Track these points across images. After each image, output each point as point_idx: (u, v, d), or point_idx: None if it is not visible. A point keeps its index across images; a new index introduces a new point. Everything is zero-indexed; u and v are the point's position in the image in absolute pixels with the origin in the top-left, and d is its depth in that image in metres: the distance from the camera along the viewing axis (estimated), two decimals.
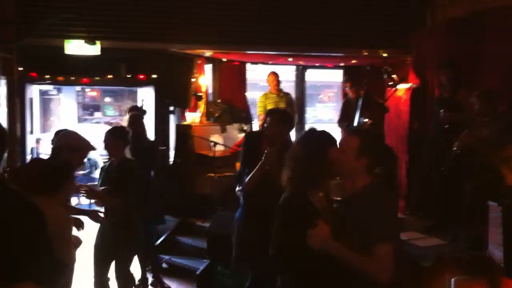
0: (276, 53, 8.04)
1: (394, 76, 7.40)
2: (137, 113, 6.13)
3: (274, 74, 8.47)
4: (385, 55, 7.58)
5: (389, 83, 7.48)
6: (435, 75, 6.75)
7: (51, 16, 6.43)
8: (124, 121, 5.99)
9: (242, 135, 8.26)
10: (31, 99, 7.85)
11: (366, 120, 7.13)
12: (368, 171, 2.82)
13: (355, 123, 7.46)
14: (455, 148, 5.35)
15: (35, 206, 2.16)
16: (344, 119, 7.97)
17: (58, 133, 4.38)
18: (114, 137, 4.73)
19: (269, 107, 8.36)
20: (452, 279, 4.30)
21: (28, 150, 7.67)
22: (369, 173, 2.82)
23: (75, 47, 6.79)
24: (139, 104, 7.18)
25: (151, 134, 7.45)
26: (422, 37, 7.18)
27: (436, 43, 6.85)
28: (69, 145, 3.94)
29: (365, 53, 7.72)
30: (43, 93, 12.92)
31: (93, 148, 4.27)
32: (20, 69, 7.04)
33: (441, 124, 6.02)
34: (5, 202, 2.08)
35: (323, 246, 2.62)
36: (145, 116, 6.39)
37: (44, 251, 2.15)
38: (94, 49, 6.77)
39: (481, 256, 4.49)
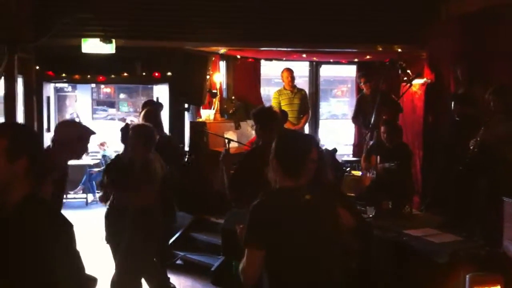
0: (290, 49, 8.05)
1: (408, 71, 7.39)
2: (151, 108, 6.12)
3: (289, 71, 8.48)
4: (399, 50, 7.55)
5: (404, 79, 7.46)
6: (450, 70, 6.72)
7: (68, 16, 6.50)
8: (140, 117, 5.99)
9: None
10: (48, 97, 7.94)
11: (383, 116, 7.13)
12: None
13: (373, 119, 7.46)
14: (472, 147, 5.34)
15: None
16: (359, 116, 7.97)
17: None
18: (141, 141, 4.74)
19: (283, 103, 8.40)
20: (467, 276, 4.28)
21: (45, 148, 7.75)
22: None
23: (91, 46, 6.87)
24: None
25: (166, 131, 7.52)
26: (437, 32, 7.15)
27: (450, 38, 6.81)
28: (70, 136, 3.83)
29: (380, 49, 7.69)
30: (58, 90, 13.05)
31: (93, 132, 4.19)
32: (37, 68, 7.13)
33: (452, 117, 6.02)
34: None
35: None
36: (162, 111, 6.36)
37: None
38: (110, 48, 6.84)
39: (496, 252, 4.49)
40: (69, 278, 2.16)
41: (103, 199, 5.10)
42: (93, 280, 3.71)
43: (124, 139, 5.05)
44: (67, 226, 2.24)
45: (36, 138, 2.36)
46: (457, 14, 6.89)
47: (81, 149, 3.88)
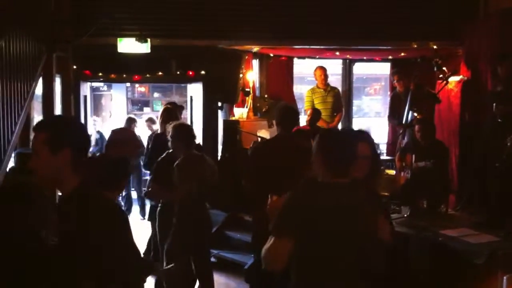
0: (323, 47, 8.02)
1: (444, 68, 7.27)
2: (169, 107, 6.21)
3: (322, 69, 8.45)
4: (435, 47, 7.45)
5: (440, 76, 7.35)
6: (489, 67, 6.59)
7: (105, 16, 6.62)
8: (159, 115, 6.17)
9: None
10: (85, 97, 8.10)
11: (416, 114, 7.05)
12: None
13: (405, 117, 7.38)
14: (508, 144, 5.24)
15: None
16: (394, 114, 7.89)
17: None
18: (178, 138, 4.87)
19: (317, 101, 8.37)
20: (505, 277, 4.22)
21: None
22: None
23: (127, 45, 6.98)
24: (188, 101, 7.31)
25: (199, 129, 7.60)
26: (475, 28, 7.02)
27: (489, 34, 6.68)
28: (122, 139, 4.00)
29: (415, 46, 7.60)
30: (94, 90, 13.25)
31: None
32: (74, 67, 7.27)
33: (494, 118, 5.90)
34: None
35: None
36: (182, 111, 6.47)
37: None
38: (145, 47, 6.94)
39: None
40: (126, 266, 2.22)
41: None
42: (150, 265, 3.84)
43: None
44: (120, 217, 2.29)
45: (80, 130, 2.36)
46: (497, 10, 6.75)
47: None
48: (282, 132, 4.84)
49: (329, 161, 2.67)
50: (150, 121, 9.54)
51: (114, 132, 8.57)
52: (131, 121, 9.32)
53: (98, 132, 10.35)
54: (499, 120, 5.88)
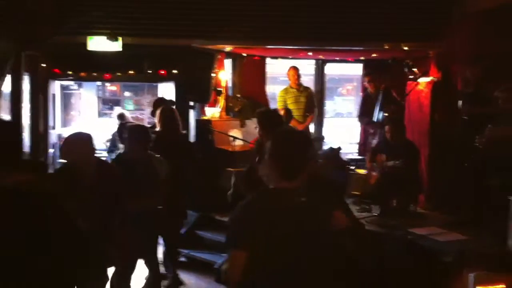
0: (296, 47, 8.04)
1: (415, 69, 7.37)
2: (168, 107, 5.98)
3: (295, 69, 8.47)
4: (406, 48, 7.53)
5: (410, 77, 7.45)
6: (462, 69, 6.68)
7: (76, 14, 6.53)
8: (156, 116, 5.86)
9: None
10: (53, 95, 7.97)
11: (386, 114, 7.13)
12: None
13: (375, 118, 7.47)
14: (477, 144, 5.33)
15: None
16: (364, 114, 7.97)
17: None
18: (136, 138, 4.75)
19: (289, 101, 8.39)
20: (472, 274, 4.29)
21: (50, 145, 7.79)
22: None
23: (97, 43, 6.90)
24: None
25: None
26: (449, 30, 7.09)
27: (464, 36, 6.75)
28: None
29: (386, 47, 7.67)
30: (64, 88, 13.06)
31: None
32: (44, 65, 7.15)
33: (462, 117, 6.00)
34: None
35: None
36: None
37: None
38: (116, 45, 6.86)
39: (502, 252, 4.49)
40: None
41: None
42: None
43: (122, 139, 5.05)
44: None
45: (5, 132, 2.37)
46: (470, 13, 6.83)
47: None
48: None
49: (279, 165, 2.64)
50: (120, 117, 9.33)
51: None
52: (122, 117, 9.08)
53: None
54: (465, 117, 5.99)
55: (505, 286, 4.35)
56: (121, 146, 5.09)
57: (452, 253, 4.45)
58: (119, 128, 5.27)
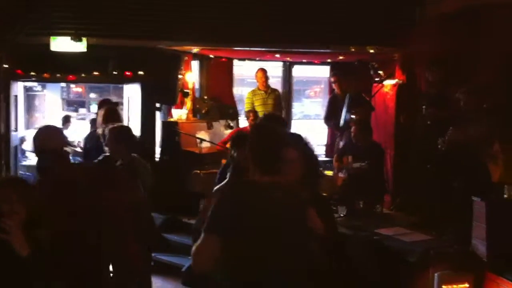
0: (263, 49, 8.03)
1: (380, 72, 7.46)
2: (113, 107, 6.01)
3: (263, 71, 8.47)
4: (371, 51, 7.61)
5: (376, 79, 7.53)
6: (423, 72, 6.78)
7: (39, 13, 6.40)
8: (99, 115, 5.84)
9: (229, 131, 8.28)
10: (15, 96, 7.78)
11: (353, 116, 7.18)
12: None
13: (342, 120, 7.51)
14: (439, 146, 5.41)
15: None
16: (331, 116, 8.02)
17: None
18: (117, 140, 4.68)
19: (257, 103, 8.39)
20: (436, 274, 4.34)
21: (12, 148, 7.60)
22: None
23: (61, 44, 6.76)
24: (125, 101, 7.15)
25: (137, 131, 7.45)
26: (412, 33, 7.19)
27: (426, 39, 6.86)
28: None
29: (353, 50, 7.74)
30: (27, 90, 12.84)
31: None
32: (5, 66, 6.98)
33: (425, 120, 6.08)
34: None
35: None
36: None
37: None
38: (80, 46, 6.75)
39: (466, 251, 4.55)
40: None
41: None
42: None
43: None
44: None
45: None
46: (433, 16, 6.94)
47: None
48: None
49: (256, 158, 2.68)
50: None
51: None
52: (66, 120, 9.00)
53: None
54: (429, 122, 6.08)
55: (468, 285, 4.43)
56: (106, 149, 4.97)
57: (417, 253, 4.49)
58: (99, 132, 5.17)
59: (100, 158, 4.92)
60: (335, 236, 2.90)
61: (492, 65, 5.78)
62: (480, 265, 4.41)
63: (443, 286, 4.37)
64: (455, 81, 6.06)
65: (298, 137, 3.38)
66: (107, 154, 4.86)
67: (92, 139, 6.00)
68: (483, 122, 5.21)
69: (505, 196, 4.62)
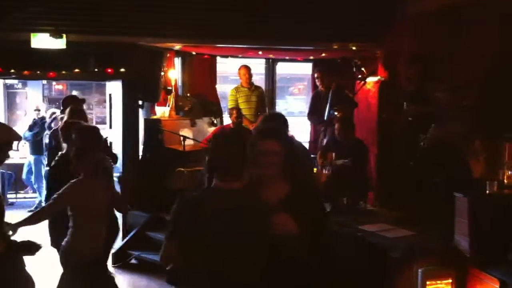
0: (245, 46, 8.01)
1: (363, 69, 7.48)
2: (77, 107, 5.95)
3: (246, 68, 8.44)
4: (354, 48, 7.63)
5: (358, 76, 7.56)
6: (405, 69, 6.82)
7: (17, 10, 6.30)
8: (66, 114, 5.75)
9: (213, 128, 8.25)
10: None
11: (336, 113, 7.20)
12: None
13: (325, 116, 7.53)
14: (421, 143, 5.44)
15: None
16: (314, 113, 8.03)
17: None
18: (86, 139, 4.59)
19: (241, 100, 8.36)
20: (420, 270, 4.37)
21: None
22: None
23: (41, 40, 6.67)
24: (107, 99, 7.07)
25: (119, 129, 7.40)
26: (392, 30, 7.23)
27: (406, 37, 6.90)
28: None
29: (335, 47, 7.75)
30: (8, 87, 12.67)
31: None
32: None
33: (406, 117, 6.12)
34: None
35: None
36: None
37: None
38: (61, 43, 6.66)
39: (448, 247, 4.58)
40: None
41: None
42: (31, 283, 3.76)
43: (66, 139, 4.85)
44: None
45: None
46: (414, 13, 6.98)
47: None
48: None
49: (215, 165, 2.75)
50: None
51: None
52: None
53: None
54: (410, 119, 6.12)
55: (452, 281, 4.46)
56: (64, 145, 4.88)
57: (400, 249, 4.51)
58: (63, 127, 5.08)
59: (57, 158, 4.85)
60: (320, 234, 2.85)
61: (471, 63, 5.83)
62: (463, 260, 4.45)
63: (427, 282, 4.39)
64: (435, 78, 6.10)
65: (285, 132, 3.37)
66: (64, 152, 4.78)
67: (56, 137, 5.94)
68: (464, 119, 5.25)
69: (487, 191, 4.66)
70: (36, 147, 9.67)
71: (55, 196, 4.09)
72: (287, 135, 3.23)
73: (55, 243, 4.51)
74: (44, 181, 9.11)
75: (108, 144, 6.62)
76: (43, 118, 10.02)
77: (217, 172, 2.72)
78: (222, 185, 2.69)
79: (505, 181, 5.05)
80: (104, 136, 6.10)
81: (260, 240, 2.62)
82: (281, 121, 4.79)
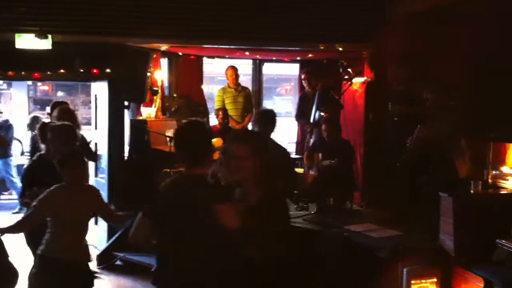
0: (232, 47, 8.00)
1: (349, 70, 7.50)
2: (67, 107, 5.92)
3: (233, 69, 8.43)
4: (340, 49, 7.65)
5: (345, 77, 7.58)
6: (392, 70, 6.85)
7: (3, 10, 6.25)
8: (53, 117, 5.73)
9: None
10: None
11: (323, 114, 7.22)
12: None
13: (312, 116, 7.55)
14: (408, 144, 5.47)
15: None
16: (301, 114, 8.04)
17: None
18: (60, 139, 4.53)
19: (227, 101, 8.35)
20: (405, 269, 4.39)
21: None
22: None
23: (26, 41, 6.61)
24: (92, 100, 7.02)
25: (104, 130, 7.36)
26: (382, 31, 7.25)
27: (396, 38, 6.91)
28: None
29: (322, 47, 7.77)
30: None
31: None
32: None
33: (391, 117, 6.15)
34: None
35: None
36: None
37: None
38: (46, 43, 6.61)
39: (434, 246, 4.61)
40: None
41: (28, 204, 4.37)
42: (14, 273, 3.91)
43: (43, 139, 4.80)
44: None
45: None
46: (403, 14, 7.01)
47: None
48: None
49: (178, 152, 3.17)
50: None
51: None
52: (34, 121, 8.85)
53: None
54: (396, 119, 6.15)
55: (437, 280, 4.49)
56: (42, 146, 4.83)
57: (386, 249, 4.53)
58: (40, 128, 5.04)
59: (34, 158, 4.79)
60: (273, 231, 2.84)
61: (459, 64, 5.87)
62: (448, 260, 4.48)
63: (412, 281, 4.42)
64: (422, 79, 6.13)
65: (259, 136, 3.42)
66: (42, 153, 4.73)
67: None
68: (450, 119, 5.28)
69: (472, 191, 4.70)
70: (2, 150, 9.55)
71: (34, 203, 4.02)
72: (260, 139, 3.21)
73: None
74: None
75: (90, 144, 6.62)
76: (7, 121, 9.85)
77: (182, 160, 3.11)
78: (188, 171, 3.10)
79: (490, 180, 5.11)
80: (84, 136, 6.11)
81: (211, 227, 2.78)
82: (268, 121, 4.82)
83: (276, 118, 5.43)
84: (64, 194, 4.03)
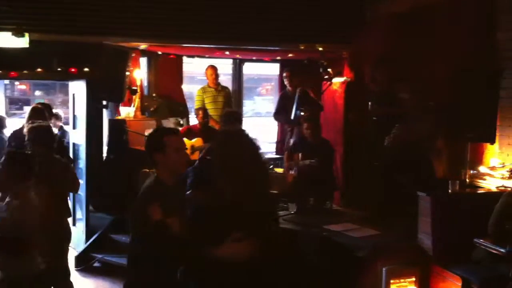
0: (212, 46, 7.96)
1: (329, 70, 7.52)
2: (38, 106, 5.88)
3: (213, 68, 8.39)
4: (320, 49, 7.66)
5: (325, 77, 7.59)
6: (371, 70, 6.88)
7: None
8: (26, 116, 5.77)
9: (179, 129, 8.17)
10: None
11: (303, 113, 7.22)
12: None
13: (292, 116, 7.55)
14: (386, 143, 5.50)
15: None
16: (281, 112, 8.03)
17: None
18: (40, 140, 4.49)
19: (207, 101, 8.29)
20: (384, 269, 4.41)
21: None
22: None
23: (3, 39, 6.49)
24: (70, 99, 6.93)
25: (82, 129, 7.27)
26: (362, 32, 7.27)
27: (375, 38, 6.94)
28: None
29: (302, 47, 7.77)
30: None
31: None
32: None
33: (370, 117, 6.18)
34: None
35: None
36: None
37: None
38: (23, 42, 6.50)
39: (412, 246, 4.64)
40: None
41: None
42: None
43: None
44: None
45: None
46: (382, 15, 7.04)
47: None
48: None
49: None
50: (55, 117, 8.82)
51: None
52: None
53: None
54: (374, 118, 6.18)
55: (415, 279, 4.51)
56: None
57: (365, 248, 4.55)
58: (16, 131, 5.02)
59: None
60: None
61: (438, 65, 5.91)
62: (426, 259, 4.51)
63: (391, 280, 4.44)
64: (400, 79, 6.17)
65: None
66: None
67: (17, 138, 5.84)
68: (428, 119, 5.32)
69: (449, 191, 4.74)
70: None
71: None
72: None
73: None
74: None
75: (65, 144, 6.55)
76: None
77: None
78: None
79: (467, 180, 5.16)
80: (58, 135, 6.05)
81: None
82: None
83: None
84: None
